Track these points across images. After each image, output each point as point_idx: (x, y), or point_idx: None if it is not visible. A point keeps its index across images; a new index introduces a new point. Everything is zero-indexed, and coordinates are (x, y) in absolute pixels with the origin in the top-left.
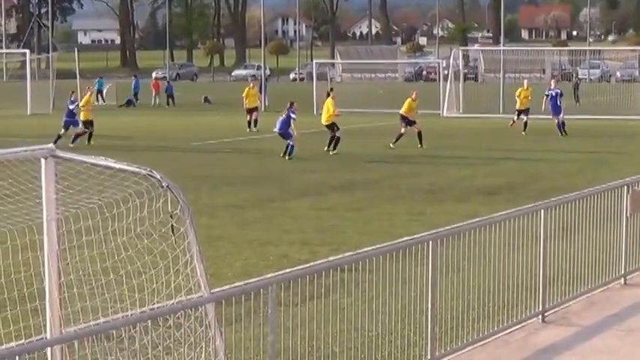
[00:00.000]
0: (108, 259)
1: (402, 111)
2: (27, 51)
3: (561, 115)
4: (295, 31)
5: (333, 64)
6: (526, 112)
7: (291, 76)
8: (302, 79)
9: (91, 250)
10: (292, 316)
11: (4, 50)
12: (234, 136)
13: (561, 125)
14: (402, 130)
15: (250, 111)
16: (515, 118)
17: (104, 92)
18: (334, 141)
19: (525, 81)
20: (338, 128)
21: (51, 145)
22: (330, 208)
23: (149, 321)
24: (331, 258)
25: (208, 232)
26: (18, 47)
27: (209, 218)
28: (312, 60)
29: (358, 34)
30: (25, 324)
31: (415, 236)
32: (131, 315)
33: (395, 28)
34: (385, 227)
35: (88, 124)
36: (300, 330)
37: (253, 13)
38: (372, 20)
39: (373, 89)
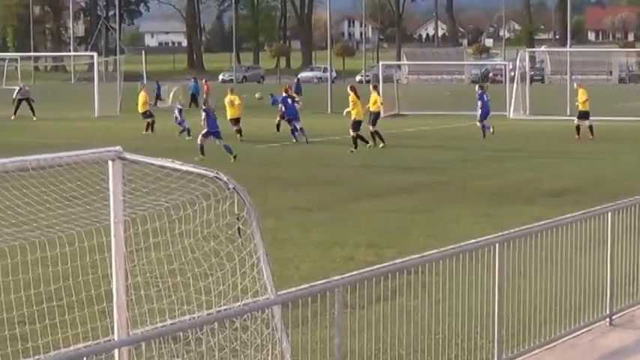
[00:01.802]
0: (175, 261)
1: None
2: (95, 54)
3: None
4: (361, 33)
5: (399, 66)
6: (586, 115)
7: (357, 78)
8: (368, 81)
9: (158, 252)
10: (358, 318)
11: (73, 53)
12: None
13: None
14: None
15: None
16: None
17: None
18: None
19: (575, 84)
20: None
21: (118, 147)
22: (395, 210)
23: (216, 323)
24: (397, 260)
25: (275, 234)
26: (86, 50)
27: (275, 220)
28: (378, 62)
29: (424, 36)
30: (93, 326)
31: (482, 239)
32: (198, 317)
33: (461, 29)
34: (451, 229)
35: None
36: (367, 332)
37: (319, 15)
38: (438, 22)
39: (439, 91)
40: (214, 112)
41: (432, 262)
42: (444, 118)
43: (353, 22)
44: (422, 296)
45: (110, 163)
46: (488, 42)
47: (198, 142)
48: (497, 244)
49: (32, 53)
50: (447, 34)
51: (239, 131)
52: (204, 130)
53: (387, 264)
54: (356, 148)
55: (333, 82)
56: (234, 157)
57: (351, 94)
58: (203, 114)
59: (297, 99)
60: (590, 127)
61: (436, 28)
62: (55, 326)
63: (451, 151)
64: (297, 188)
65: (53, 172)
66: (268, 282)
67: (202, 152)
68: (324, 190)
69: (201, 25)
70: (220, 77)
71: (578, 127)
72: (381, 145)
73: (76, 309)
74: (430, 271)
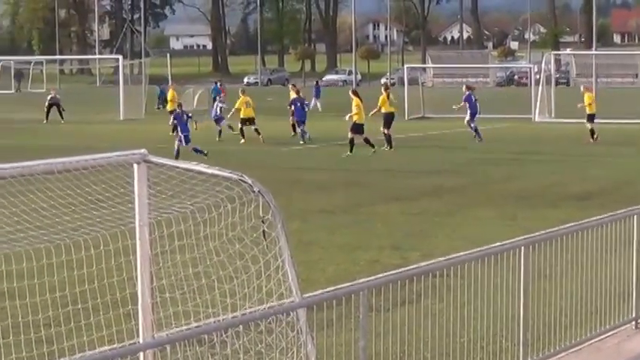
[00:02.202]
0: (200, 263)
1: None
2: (120, 56)
3: None
4: (386, 36)
5: (424, 69)
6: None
7: (382, 80)
8: (393, 84)
9: (182, 255)
10: (384, 321)
11: (98, 56)
12: (325, 140)
13: None
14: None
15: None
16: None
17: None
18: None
19: (582, 87)
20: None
21: (143, 150)
22: (420, 213)
23: (240, 326)
24: (422, 263)
25: (300, 237)
26: (111, 53)
27: (300, 223)
28: (403, 65)
29: (449, 38)
30: (118, 328)
31: (507, 242)
32: (223, 320)
33: (486, 32)
34: (476, 232)
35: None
36: (392, 335)
37: (344, 18)
38: (464, 25)
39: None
40: (189, 115)
41: (457, 264)
42: None
43: (378, 25)
44: (447, 299)
45: (135, 166)
46: (514, 45)
47: (175, 147)
48: (522, 247)
49: (58, 56)
50: (472, 37)
51: (257, 130)
52: (178, 135)
53: (412, 267)
54: (351, 151)
55: (357, 84)
56: (206, 153)
57: (355, 98)
58: (172, 118)
59: (306, 102)
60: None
61: (461, 31)
62: (80, 329)
63: (475, 154)
64: (322, 191)
65: (78, 174)
66: (293, 285)
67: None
68: (348, 193)
69: (226, 28)
70: (245, 80)
71: (592, 130)
72: (372, 151)
73: (101, 311)
74: (455, 274)
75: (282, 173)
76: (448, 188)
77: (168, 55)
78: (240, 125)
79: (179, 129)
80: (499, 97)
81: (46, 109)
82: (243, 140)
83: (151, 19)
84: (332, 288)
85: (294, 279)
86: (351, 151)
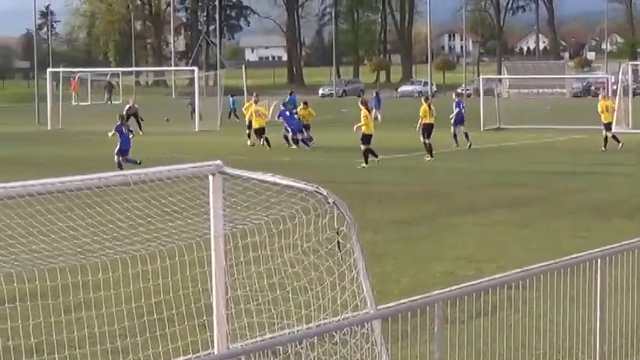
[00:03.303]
0: (274, 275)
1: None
2: (195, 68)
3: None
4: (462, 47)
5: (499, 80)
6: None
7: (458, 91)
8: (469, 95)
9: (257, 267)
10: (459, 333)
11: (173, 68)
12: (400, 152)
13: None
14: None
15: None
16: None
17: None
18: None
19: (600, 96)
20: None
21: (219, 161)
22: (495, 225)
23: (315, 337)
24: (497, 275)
25: (374, 249)
26: (186, 65)
27: (375, 234)
28: (478, 75)
29: (525, 49)
30: (193, 339)
31: (583, 253)
32: (297, 331)
33: (562, 43)
34: (551, 244)
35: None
36: (467, 347)
37: (420, 29)
38: (540, 35)
39: (540, 105)
40: (130, 129)
41: (533, 276)
42: (544, 132)
43: (453, 36)
44: (522, 311)
45: (210, 177)
46: (590, 55)
47: (116, 160)
48: (599, 259)
49: (134, 68)
50: (548, 48)
51: (267, 140)
52: (117, 148)
53: (487, 279)
54: (367, 162)
55: (433, 95)
56: (140, 162)
57: (363, 108)
58: (114, 132)
59: (295, 111)
60: (606, 139)
61: (537, 42)
62: (155, 339)
63: (551, 165)
64: (397, 202)
65: (154, 186)
66: (368, 296)
67: (121, 168)
68: (423, 204)
69: (302, 39)
70: (320, 91)
71: (614, 137)
72: (429, 158)
73: (177, 322)
74: (531, 286)
75: (357, 184)
76: (522, 199)
77: (243, 66)
78: (254, 135)
79: (119, 142)
80: (575, 108)
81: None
82: (269, 148)
83: (226, 30)
84: (407, 299)
85: (368, 290)
86: (366, 162)
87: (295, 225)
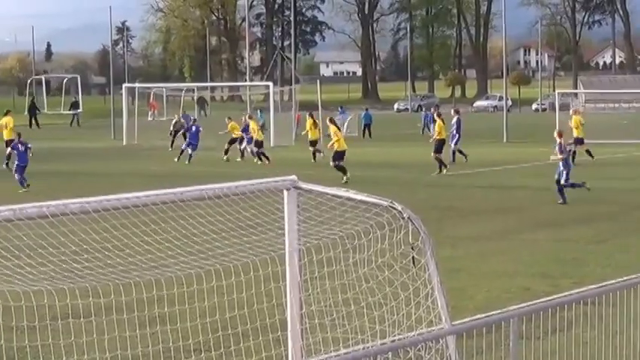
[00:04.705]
0: (349, 290)
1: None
2: (270, 83)
3: None
4: (537, 62)
5: (575, 95)
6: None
7: (533, 106)
8: (544, 110)
9: (332, 282)
10: (534, 349)
11: (248, 83)
12: (475, 167)
13: None
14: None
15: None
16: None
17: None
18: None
19: (571, 110)
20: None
21: (293, 176)
22: (571, 240)
23: (390, 353)
24: (574, 291)
25: (449, 264)
26: (261, 80)
27: (450, 249)
28: (554, 90)
29: (601, 63)
30: (267, 354)
31: None
32: (372, 346)
33: (639, 57)
34: (628, 260)
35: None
36: None
37: (495, 44)
38: (616, 49)
39: (616, 119)
40: (28, 146)
41: (610, 292)
42: (620, 146)
43: (529, 51)
44: (599, 328)
45: (285, 192)
46: None
47: (17, 177)
48: None
49: (209, 83)
50: (624, 62)
51: (264, 154)
52: (15, 164)
53: (563, 294)
54: (346, 177)
55: (508, 110)
56: (28, 185)
57: (331, 125)
58: (9, 149)
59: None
60: (588, 151)
61: (613, 56)
62: (230, 354)
63: (627, 181)
64: (472, 217)
65: (229, 201)
66: (443, 312)
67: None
68: (498, 219)
69: (376, 54)
70: (395, 106)
71: (574, 153)
72: (445, 171)
73: (251, 337)
74: (607, 303)
75: (432, 199)
76: (598, 215)
77: (318, 81)
78: (256, 149)
79: (18, 159)
80: None
81: (171, 136)
82: (267, 162)
83: (301, 45)
84: (482, 315)
85: (443, 306)
86: (344, 174)
87: (370, 240)
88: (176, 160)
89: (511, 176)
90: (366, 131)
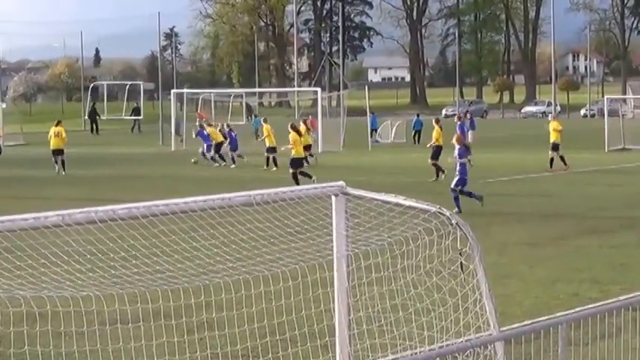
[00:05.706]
0: (397, 296)
1: None
2: (318, 89)
3: None
4: (586, 67)
5: (624, 100)
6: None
7: (582, 112)
8: (593, 116)
9: (380, 287)
10: (582, 355)
11: (297, 88)
12: (525, 172)
13: None
14: None
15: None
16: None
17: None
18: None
19: (550, 116)
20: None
21: (341, 182)
22: (620, 246)
23: (438, 359)
24: (622, 297)
25: (498, 270)
26: (309, 85)
27: (499, 255)
28: (603, 96)
29: None
30: None
31: None
32: (420, 352)
33: None
34: None
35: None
36: None
37: (544, 49)
38: None
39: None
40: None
41: None
42: None
43: (578, 56)
44: None
45: (334, 198)
46: None
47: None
48: None
49: (257, 89)
50: None
51: (274, 160)
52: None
53: (611, 300)
54: (298, 184)
55: (556, 116)
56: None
57: (292, 132)
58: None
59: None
60: (561, 158)
61: None
62: None
63: None
64: (521, 223)
65: (277, 206)
66: (491, 318)
67: None
68: (546, 225)
69: (425, 60)
70: (443, 112)
71: (552, 160)
72: (442, 177)
73: (299, 343)
74: None
75: (478, 206)
76: None
77: (366, 87)
78: (266, 154)
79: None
80: None
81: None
82: (274, 168)
83: (349, 51)
84: (530, 321)
85: (491, 312)
86: (297, 183)
87: (418, 246)
88: (224, 164)
89: (559, 183)
90: (416, 137)
